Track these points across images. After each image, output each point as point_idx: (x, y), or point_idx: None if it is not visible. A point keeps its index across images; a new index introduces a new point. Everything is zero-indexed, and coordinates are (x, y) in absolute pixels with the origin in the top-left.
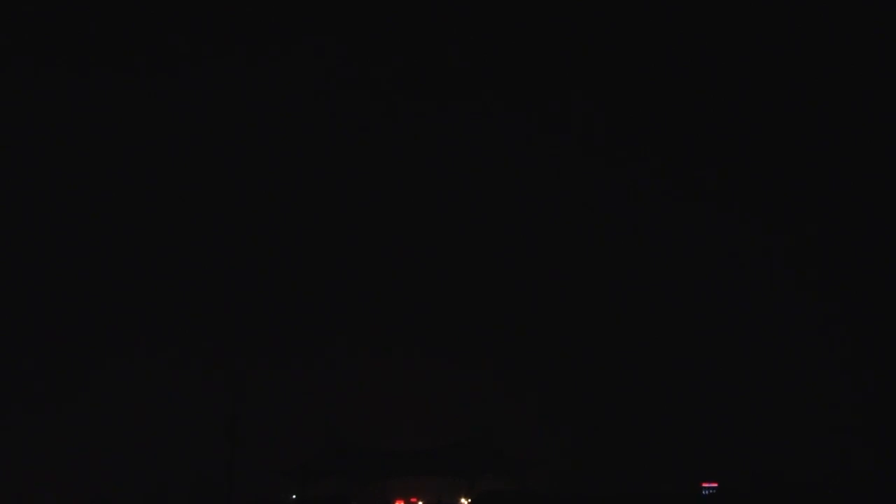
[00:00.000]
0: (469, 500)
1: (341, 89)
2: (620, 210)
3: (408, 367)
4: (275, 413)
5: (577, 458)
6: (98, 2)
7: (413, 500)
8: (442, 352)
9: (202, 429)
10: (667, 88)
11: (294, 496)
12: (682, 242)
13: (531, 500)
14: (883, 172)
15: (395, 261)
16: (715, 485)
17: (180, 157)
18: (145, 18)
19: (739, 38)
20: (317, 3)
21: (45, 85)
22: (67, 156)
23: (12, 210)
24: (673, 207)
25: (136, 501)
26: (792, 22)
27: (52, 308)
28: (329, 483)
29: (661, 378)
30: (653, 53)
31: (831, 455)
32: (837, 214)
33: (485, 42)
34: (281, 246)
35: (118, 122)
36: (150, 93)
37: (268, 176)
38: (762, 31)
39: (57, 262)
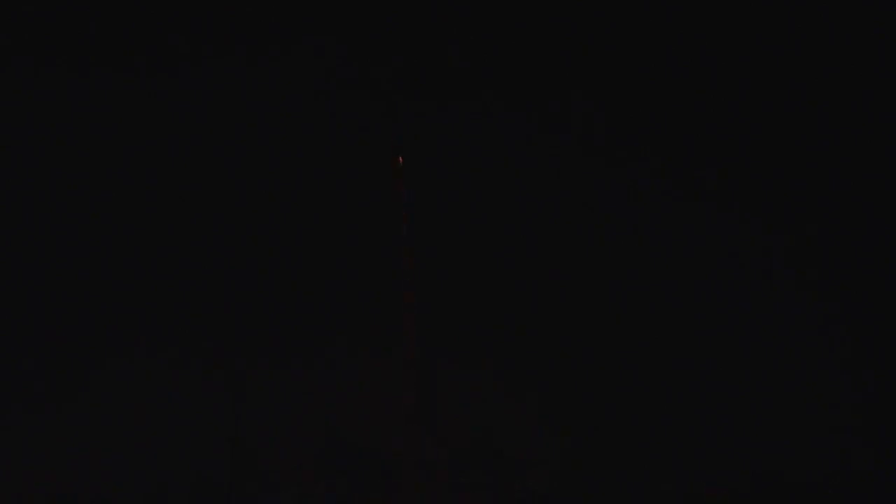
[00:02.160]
0: None
1: (341, 89)
2: (620, 210)
3: (408, 367)
4: (275, 413)
5: (577, 458)
6: (98, 2)
7: None
8: (442, 352)
9: (202, 429)
10: (666, 88)
11: None
12: (682, 242)
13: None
14: (883, 172)
15: (394, 261)
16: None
17: (180, 157)
18: (145, 18)
19: (739, 38)
20: (317, 3)
21: (45, 85)
22: (67, 156)
23: (12, 210)
24: (673, 207)
25: (136, 501)
26: (792, 22)
27: (52, 308)
28: (329, 484)
29: (660, 378)
30: (653, 53)
31: (831, 455)
32: (837, 214)
33: (485, 42)
34: (281, 246)
35: (118, 122)
36: (150, 93)
37: (268, 176)
38: (762, 31)
39: (56, 262)
